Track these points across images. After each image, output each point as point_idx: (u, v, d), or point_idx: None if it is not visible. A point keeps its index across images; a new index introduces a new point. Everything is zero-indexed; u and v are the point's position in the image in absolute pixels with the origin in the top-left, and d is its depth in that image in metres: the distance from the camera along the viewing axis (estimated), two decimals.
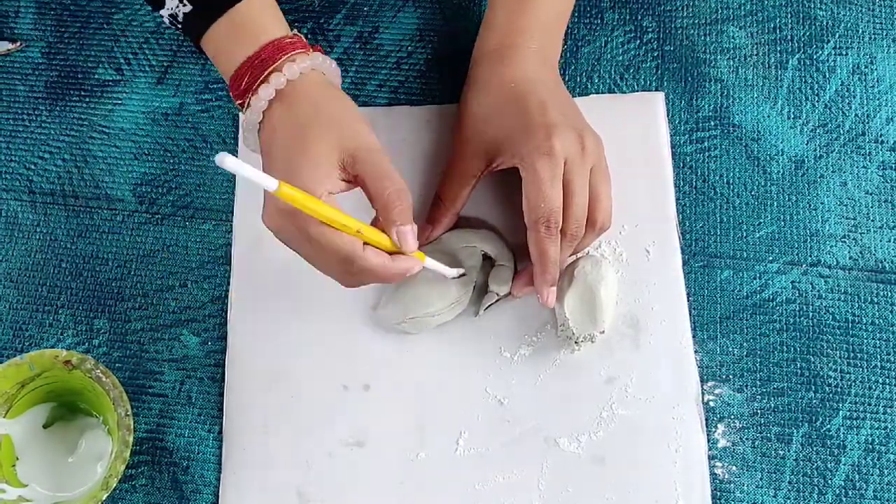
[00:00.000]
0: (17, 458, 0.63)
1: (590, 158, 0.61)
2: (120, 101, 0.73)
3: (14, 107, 0.74)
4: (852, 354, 0.65)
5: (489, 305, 0.65)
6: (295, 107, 0.57)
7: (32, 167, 0.72)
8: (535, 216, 0.59)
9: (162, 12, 0.61)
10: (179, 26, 0.61)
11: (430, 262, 0.60)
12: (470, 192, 0.65)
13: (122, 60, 0.75)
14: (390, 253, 0.56)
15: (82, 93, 0.74)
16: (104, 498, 0.58)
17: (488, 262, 0.66)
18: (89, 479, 0.63)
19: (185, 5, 0.59)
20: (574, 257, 0.65)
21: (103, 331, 0.68)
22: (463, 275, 0.64)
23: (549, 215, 0.59)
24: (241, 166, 0.47)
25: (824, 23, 0.73)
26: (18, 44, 0.75)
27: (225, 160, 0.45)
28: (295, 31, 0.60)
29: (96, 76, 0.74)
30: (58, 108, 0.74)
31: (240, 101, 0.58)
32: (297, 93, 0.57)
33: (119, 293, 0.68)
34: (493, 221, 0.68)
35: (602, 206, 0.62)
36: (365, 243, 0.54)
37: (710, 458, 0.62)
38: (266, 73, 0.57)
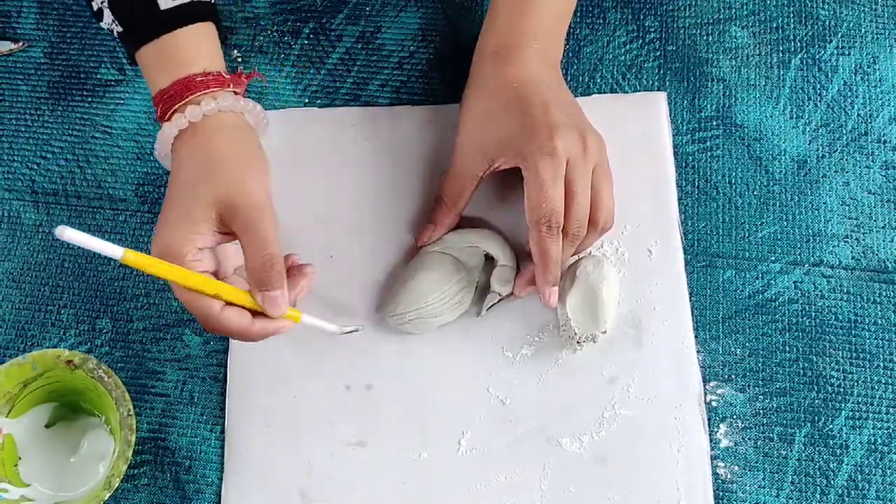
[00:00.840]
0: (20, 458, 0.63)
1: (592, 158, 0.61)
2: (122, 101, 0.73)
3: (16, 107, 0.74)
4: (855, 354, 0.64)
5: (491, 306, 0.65)
6: (192, 149, 0.57)
7: (35, 167, 0.72)
8: (537, 216, 0.59)
9: (102, 24, 0.62)
10: (117, 40, 0.62)
11: (309, 319, 0.59)
12: (472, 193, 0.65)
13: (124, 60, 0.75)
14: (256, 313, 0.55)
15: (84, 92, 0.74)
16: (106, 497, 0.58)
17: (490, 262, 0.66)
18: (91, 478, 0.63)
19: (117, 25, 0.61)
20: (576, 257, 0.65)
21: (105, 330, 0.68)
22: (354, 331, 0.64)
23: (550, 215, 0.59)
24: (83, 238, 0.46)
25: (826, 22, 0.73)
26: (21, 44, 0.75)
27: (65, 233, 0.45)
28: (232, 65, 0.61)
29: (98, 76, 0.74)
30: (60, 108, 0.74)
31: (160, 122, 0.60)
32: (198, 134, 0.57)
33: (121, 293, 0.69)
34: (495, 221, 0.68)
35: (604, 206, 0.62)
36: (227, 303, 0.54)
37: (713, 458, 0.62)
38: (172, 109, 0.58)
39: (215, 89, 0.58)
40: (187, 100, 0.58)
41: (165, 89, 0.58)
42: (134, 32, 0.60)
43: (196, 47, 0.60)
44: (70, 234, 0.45)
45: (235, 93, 0.60)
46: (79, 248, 0.69)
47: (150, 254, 0.53)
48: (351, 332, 0.63)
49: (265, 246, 0.54)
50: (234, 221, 0.54)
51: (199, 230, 0.54)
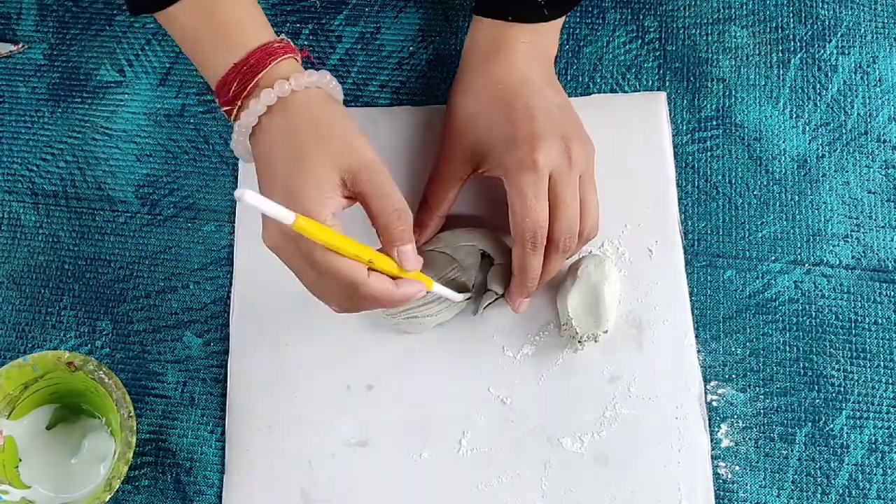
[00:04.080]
0: (21, 460, 0.63)
1: (577, 167, 0.60)
2: (122, 103, 0.73)
3: (16, 109, 0.74)
4: (855, 354, 0.64)
5: (488, 304, 0.65)
6: (292, 120, 0.55)
7: (35, 169, 0.72)
8: (521, 231, 0.59)
9: None
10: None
11: (438, 287, 0.59)
12: (456, 195, 0.65)
13: (124, 62, 0.75)
14: (394, 278, 0.54)
15: (84, 94, 0.74)
16: (107, 499, 0.58)
17: (487, 260, 0.66)
18: (92, 480, 0.63)
19: None
20: (577, 256, 0.65)
21: (106, 332, 0.68)
22: (470, 297, 0.64)
23: (534, 230, 0.58)
24: (262, 201, 0.45)
25: (826, 22, 0.73)
26: (20, 45, 0.76)
27: (245, 195, 0.44)
28: (283, 35, 0.58)
29: (98, 78, 0.74)
30: (60, 110, 0.74)
31: (227, 108, 0.57)
32: (296, 106, 0.55)
33: (121, 294, 0.69)
34: (491, 220, 0.67)
35: (589, 214, 0.61)
36: (371, 269, 0.53)
37: (714, 457, 0.62)
38: (256, 79, 0.55)
39: (290, 55, 0.56)
40: (271, 67, 0.55)
41: (243, 60, 0.55)
42: None
43: (246, 9, 0.57)
44: (249, 197, 0.44)
45: (298, 61, 0.58)
46: (79, 249, 0.69)
47: (266, 240, 0.53)
48: (468, 298, 0.64)
49: (395, 200, 0.53)
50: (358, 182, 0.53)
51: (331, 194, 0.53)
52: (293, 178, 0.53)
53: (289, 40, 0.58)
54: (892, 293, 0.66)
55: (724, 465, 0.62)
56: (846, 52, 0.72)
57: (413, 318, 0.64)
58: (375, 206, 0.53)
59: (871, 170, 0.69)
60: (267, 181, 0.55)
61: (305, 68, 0.57)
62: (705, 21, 0.73)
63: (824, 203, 0.68)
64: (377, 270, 0.53)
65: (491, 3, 0.63)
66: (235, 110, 0.56)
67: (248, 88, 0.55)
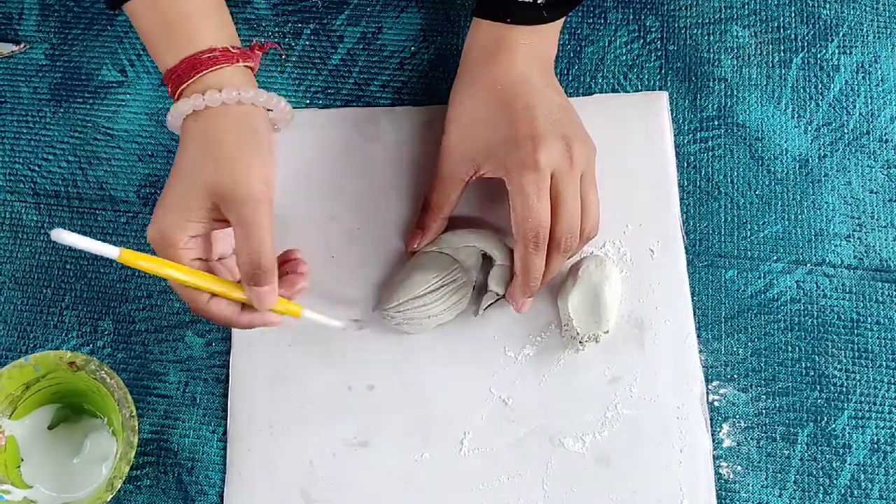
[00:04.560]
0: (22, 460, 0.63)
1: (578, 167, 0.60)
2: (124, 103, 0.73)
3: (18, 109, 0.74)
4: (857, 354, 0.64)
5: (489, 305, 0.65)
6: (198, 132, 0.56)
7: (36, 169, 0.72)
8: (523, 231, 0.59)
9: None
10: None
11: (310, 315, 0.60)
12: (458, 197, 0.65)
13: (125, 62, 0.75)
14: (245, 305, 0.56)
15: (86, 94, 0.74)
16: (109, 499, 0.58)
17: (488, 261, 0.66)
18: (94, 480, 0.63)
19: None
20: (578, 257, 0.65)
21: (108, 332, 0.68)
22: (357, 327, 0.64)
23: (536, 230, 0.58)
24: (80, 240, 0.46)
25: (828, 22, 0.73)
26: (22, 45, 0.76)
27: (61, 235, 0.45)
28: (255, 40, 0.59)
29: (100, 78, 0.74)
30: (62, 110, 0.74)
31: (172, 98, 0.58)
32: (211, 119, 0.55)
33: (123, 294, 0.69)
34: (492, 221, 0.67)
35: (590, 214, 0.61)
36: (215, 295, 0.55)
37: (715, 458, 0.62)
38: (180, 88, 0.56)
39: (223, 65, 0.56)
40: (195, 78, 0.56)
41: (173, 68, 0.56)
42: None
43: (198, 11, 0.57)
44: (66, 237, 0.45)
45: (250, 67, 0.58)
46: (79, 249, 0.69)
47: (146, 236, 0.54)
48: (356, 330, 0.64)
49: (254, 242, 0.53)
50: (228, 213, 0.54)
51: (193, 218, 0.54)
52: (169, 192, 0.55)
53: (227, 48, 0.57)
54: (894, 293, 0.66)
55: (725, 464, 0.62)
56: (848, 52, 0.72)
57: (413, 319, 0.64)
58: (239, 242, 0.54)
59: (873, 170, 0.69)
60: (167, 183, 0.56)
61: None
62: (707, 21, 0.73)
63: (826, 203, 0.68)
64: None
65: (490, 6, 0.63)
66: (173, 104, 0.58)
67: (177, 94, 0.56)
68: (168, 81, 0.57)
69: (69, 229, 0.69)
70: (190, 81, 0.56)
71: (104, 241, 0.68)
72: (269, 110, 0.58)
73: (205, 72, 0.56)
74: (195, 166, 0.55)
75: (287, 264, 0.58)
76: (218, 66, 0.56)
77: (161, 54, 0.58)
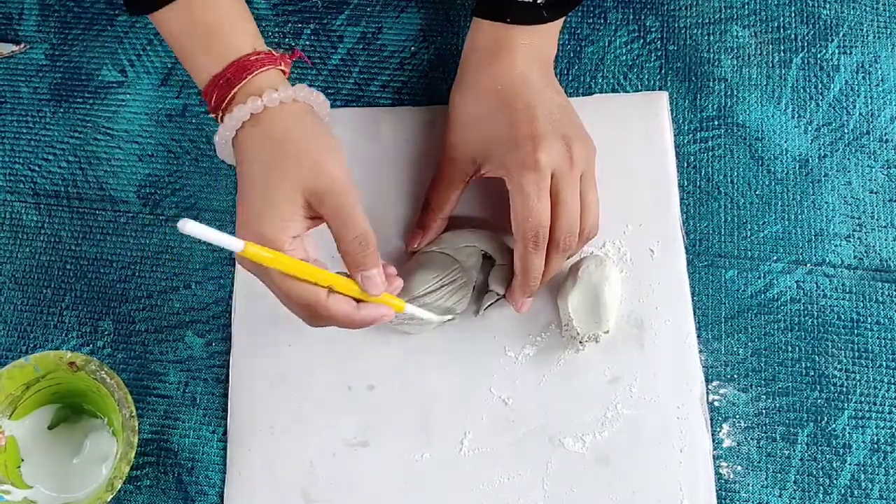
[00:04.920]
0: (23, 460, 0.64)
1: (578, 167, 0.60)
2: (124, 103, 0.73)
3: (18, 109, 0.74)
4: (857, 354, 0.64)
5: (489, 305, 0.65)
6: (264, 136, 0.55)
7: (37, 169, 0.72)
8: (523, 230, 0.59)
9: None
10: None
11: (411, 309, 0.59)
12: (459, 197, 0.65)
13: (125, 62, 0.75)
14: (360, 300, 0.55)
15: (86, 94, 0.74)
16: (109, 499, 0.58)
17: (488, 261, 0.66)
18: (94, 480, 0.63)
19: None
20: (577, 257, 0.65)
21: (108, 332, 0.68)
22: (451, 320, 0.64)
23: (536, 230, 0.59)
24: (204, 230, 0.46)
25: (828, 22, 0.73)
26: (22, 46, 0.76)
27: (186, 225, 0.45)
28: (275, 46, 0.58)
29: (100, 78, 0.74)
30: (62, 110, 0.74)
31: (213, 114, 0.58)
32: (268, 122, 0.55)
33: (123, 295, 0.69)
34: (492, 221, 0.67)
35: (590, 213, 0.61)
36: (332, 290, 0.54)
37: (715, 458, 0.62)
38: (232, 92, 0.55)
39: (270, 67, 0.56)
40: (246, 81, 0.55)
41: (220, 73, 0.56)
42: None
43: (231, 16, 0.57)
44: (191, 227, 0.45)
45: (283, 72, 0.58)
46: (80, 249, 0.69)
47: (237, 259, 0.53)
48: (449, 320, 0.64)
49: (357, 226, 0.53)
50: (322, 205, 0.53)
51: (292, 218, 0.53)
52: (253, 199, 0.54)
53: (271, 51, 0.58)
54: (894, 293, 0.66)
55: (725, 464, 0.62)
56: (848, 52, 0.72)
57: (413, 319, 0.64)
58: (337, 232, 0.53)
59: (873, 170, 0.69)
60: (242, 194, 0.55)
61: (299, 69, 0.57)
62: (707, 21, 0.73)
63: (826, 203, 0.68)
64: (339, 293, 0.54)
65: (490, 6, 0.63)
66: (219, 118, 0.57)
67: (226, 102, 0.56)
68: (214, 87, 0.56)
69: (69, 230, 0.70)
70: (241, 85, 0.55)
71: (103, 241, 0.70)
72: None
73: (256, 72, 0.55)
74: (272, 169, 0.54)
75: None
76: (265, 68, 0.56)
77: (200, 63, 0.57)
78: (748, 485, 0.62)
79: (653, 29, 0.73)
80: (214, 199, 0.70)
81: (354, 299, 0.55)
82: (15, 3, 0.77)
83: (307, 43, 0.74)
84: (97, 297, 0.69)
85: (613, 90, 0.72)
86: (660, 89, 0.71)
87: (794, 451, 0.63)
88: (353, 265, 0.54)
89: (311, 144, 0.55)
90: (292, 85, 0.57)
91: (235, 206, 0.70)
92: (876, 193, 0.68)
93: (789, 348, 0.65)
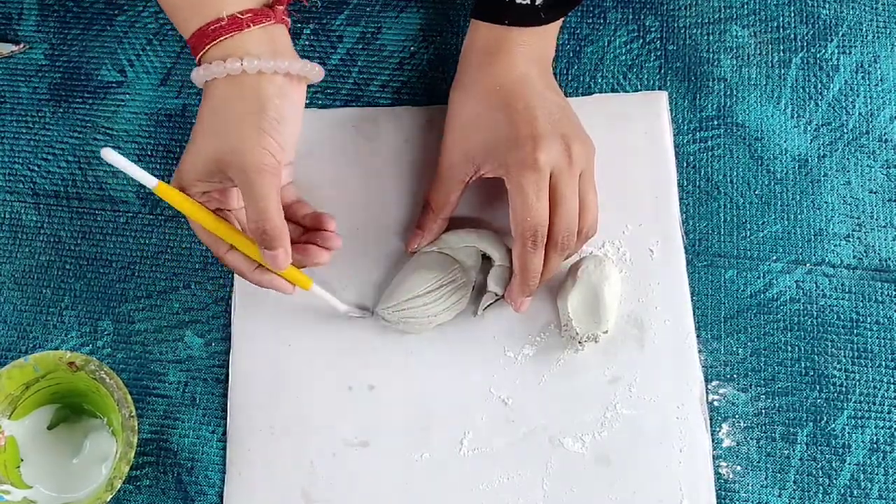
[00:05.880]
0: (22, 460, 0.63)
1: (577, 166, 0.60)
2: (123, 103, 0.73)
3: (17, 109, 0.74)
4: (857, 354, 0.64)
5: (488, 305, 0.65)
6: (219, 94, 0.57)
7: (36, 169, 0.72)
8: (521, 230, 0.59)
9: None
10: None
11: (319, 290, 0.63)
12: (458, 198, 0.65)
13: (125, 62, 0.75)
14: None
15: (86, 94, 0.74)
16: (108, 499, 0.58)
17: (487, 261, 0.66)
18: (94, 480, 0.63)
19: None
20: (577, 257, 0.65)
21: (107, 332, 0.68)
22: (360, 317, 0.66)
23: (535, 229, 0.59)
24: (124, 163, 0.53)
25: (828, 21, 0.73)
26: (22, 46, 0.76)
27: (109, 155, 0.51)
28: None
29: (99, 78, 0.74)
30: (61, 110, 0.74)
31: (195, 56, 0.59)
32: (218, 87, 0.57)
33: (123, 294, 0.69)
34: (491, 221, 0.68)
35: (589, 213, 0.61)
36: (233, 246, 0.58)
37: (715, 457, 0.62)
38: (206, 48, 0.57)
39: (234, 34, 0.57)
40: (208, 48, 0.57)
41: (189, 39, 0.58)
42: None
43: None
44: (112, 157, 0.51)
45: (284, 23, 0.60)
46: (80, 249, 0.69)
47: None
48: (357, 317, 0.65)
49: (260, 209, 0.55)
50: (235, 178, 0.56)
51: (202, 178, 0.57)
52: (191, 150, 0.58)
53: (244, 14, 0.57)
54: (894, 293, 0.66)
55: (725, 464, 0.62)
56: (847, 52, 0.72)
57: (413, 319, 0.64)
58: (247, 208, 0.56)
59: (873, 169, 0.69)
60: (192, 134, 0.58)
61: (309, 39, 0.59)
62: (706, 21, 0.73)
63: (826, 203, 0.68)
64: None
65: (488, 7, 0.63)
66: (198, 62, 0.59)
67: (199, 56, 0.58)
68: (194, 41, 0.58)
69: (68, 230, 0.70)
70: (204, 51, 0.57)
71: (103, 241, 0.70)
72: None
73: (218, 40, 0.57)
74: (203, 134, 0.57)
75: (316, 233, 0.61)
76: (227, 35, 0.57)
77: (183, 16, 0.59)
78: (748, 484, 0.62)
79: (652, 29, 0.73)
80: None
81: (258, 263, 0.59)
82: (14, 3, 0.77)
83: (306, 43, 0.74)
84: (97, 296, 0.69)
85: (613, 90, 0.71)
86: (659, 89, 0.71)
87: (793, 450, 0.63)
88: (257, 241, 0.56)
89: (242, 123, 0.56)
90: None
91: None
92: (875, 193, 0.68)
93: (789, 348, 0.65)
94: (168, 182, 0.58)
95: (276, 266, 0.57)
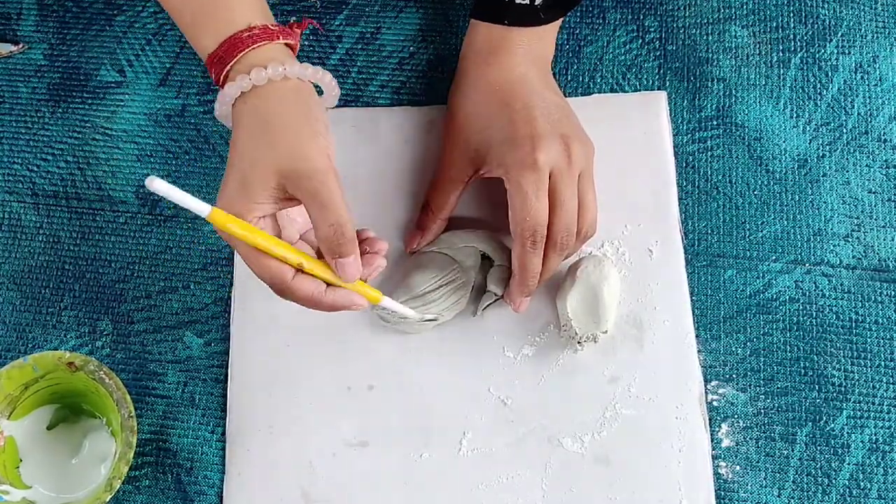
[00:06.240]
0: (21, 460, 0.63)
1: (577, 166, 0.60)
2: (122, 103, 0.73)
3: (17, 109, 0.74)
4: (856, 354, 0.64)
5: (487, 305, 0.65)
6: (251, 113, 0.54)
7: (35, 169, 0.72)
8: (521, 229, 0.59)
9: None
10: None
11: (389, 302, 0.58)
12: (458, 198, 0.65)
13: (124, 62, 0.75)
14: (332, 284, 0.54)
15: (85, 95, 0.74)
16: (108, 499, 0.58)
17: (487, 261, 0.66)
18: (93, 480, 0.63)
19: None
20: (576, 257, 0.65)
21: (106, 332, 0.68)
22: (432, 320, 0.63)
23: (534, 229, 0.59)
24: (173, 191, 0.46)
25: (827, 21, 0.73)
26: (21, 46, 0.76)
27: (154, 183, 0.45)
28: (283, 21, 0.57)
29: (99, 78, 0.74)
30: (60, 111, 0.74)
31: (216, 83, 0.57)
32: (259, 97, 0.54)
33: (122, 295, 0.69)
34: (491, 222, 0.68)
35: (588, 213, 0.61)
36: (301, 271, 0.53)
37: (714, 457, 0.62)
38: (225, 70, 0.55)
39: (264, 43, 0.55)
40: (238, 58, 0.54)
41: (214, 52, 0.55)
42: None
43: None
44: (158, 185, 0.46)
45: (288, 45, 0.57)
46: (79, 249, 0.69)
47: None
48: (430, 320, 0.62)
49: (332, 213, 0.51)
50: (297, 189, 0.52)
51: (258, 199, 0.52)
52: (230, 177, 0.53)
53: (267, 25, 0.56)
54: (893, 293, 0.66)
55: (724, 464, 0.62)
56: (847, 52, 0.72)
57: (409, 320, 0.64)
58: (313, 217, 0.52)
59: (872, 169, 0.69)
60: (228, 165, 0.54)
61: (308, 39, 0.55)
62: (706, 21, 0.73)
63: (825, 203, 0.68)
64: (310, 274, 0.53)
65: (487, 7, 0.63)
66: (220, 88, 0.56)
67: (223, 78, 0.55)
68: (211, 66, 0.55)
69: (67, 230, 0.70)
70: (233, 62, 0.54)
71: (102, 241, 0.70)
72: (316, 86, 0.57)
73: (246, 50, 0.54)
74: (252, 149, 0.53)
75: (362, 243, 0.56)
76: (259, 44, 0.54)
77: (198, 38, 0.56)
78: (747, 484, 0.62)
79: (651, 29, 0.73)
80: (213, 198, 0.70)
81: (326, 283, 0.54)
82: (13, 3, 0.77)
83: (306, 43, 0.74)
84: (96, 297, 0.69)
85: (612, 90, 0.72)
86: (658, 89, 0.71)
87: (792, 450, 0.63)
88: (329, 252, 0.52)
89: (294, 125, 0.53)
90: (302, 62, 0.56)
91: None
92: (874, 193, 0.68)
93: (788, 348, 0.65)
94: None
95: (350, 275, 0.53)
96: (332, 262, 0.53)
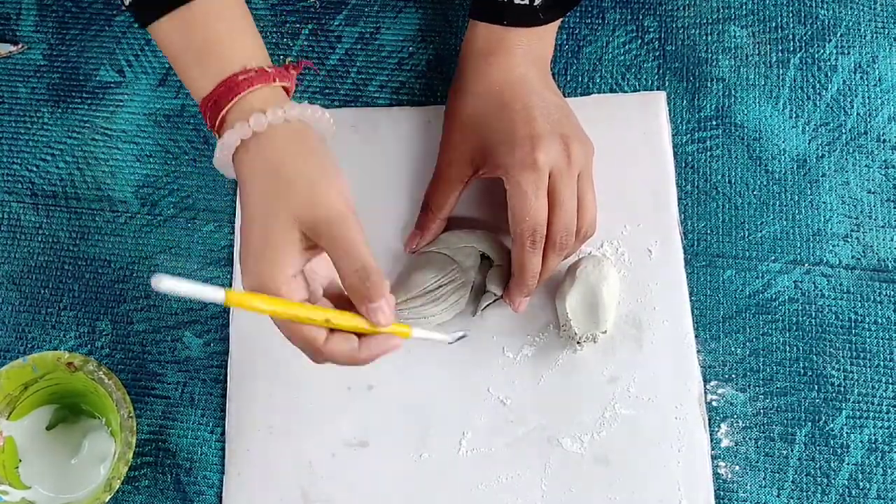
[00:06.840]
0: (21, 460, 0.63)
1: (576, 166, 0.60)
2: (122, 103, 0.73)
3: (16, 109, 0.74)
4: (855, 354, 0.64)
5: (487, 305, 0.65)
6: (258, 162, 0.51)
7: (34, 169, 0.72)
8: (520, 229, 0.59)
9: None
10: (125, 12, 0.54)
11: (419, 333, 0.54)
12: (457, 198, 0.65)
13: (123, 62, 0.75)
14: (363, 333, 0.51)
15: (84, 95, 0.74)
16: (107, 499, 0.58)
17: (486, 261, 0.66)
18: (92, 480, 0.63)
19: None
20: (575, 257, 0.65)
21: (106, 332, 0.68)
22: (462, 337, 0.59)
23: (533, 229, 0.59)
24: (182, 286, 0.42)
25: (826, 22, 0.73)
26: (20, 46, 0.75)
27: (161, 282, 0.41)
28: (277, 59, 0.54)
29: (98, 78, 0.74)
30: (60, 111, 0.74)
31: (212, 130, 0.54)
32: (263, 144, 0.51)
33: (121, 295, 0.69)
34: (490, 222, 0.68)
35: (587, 213, 0.61)
36: (333, 330, 0.50)
37: (714, 457, 0.62)
38: (221, 115, 0.52)
39: (260, 86, 0.52)
40: (234, 102, 0.52)
41: (208, 95, 0.52)
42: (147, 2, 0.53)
43: (229, 32, 0.53)
44: (166, 284, 0.42)
45: (284, 88, 0.54)
46: (78, 249, 0.69)
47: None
48: (460, 338, 0.59)
49: (356, 258, 0.49)
50: (319, 237, 0.49)
51: (289, 254, 0.49)
52: (251, 236, 0.51)
53: (264, 67, 0.53)
54: (892, 293, 0.66)
55: (724, 464, 0.62)
56: (846, 52, 0.72)
57: (412, 319, 0.64)
58: (337, 264, 0.49)
59: (871, 169, 0.69)
60: (242, 224, 0.52)
61: (306, 76, 0.55)
62: (705, 21, 0.73)
63: (824, 203, 0.68)
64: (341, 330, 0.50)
65: (487, 8, 0.63)
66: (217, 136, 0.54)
67: (218, 123, 0.53)
68: (206, 109, 0.53)
69: (67, 230, 0.70)
70: (229, 107, 0.52)
71: (101, 241, 0.70)
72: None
73: (243, 94, 0.52)
74: (266, 199, 0.50)
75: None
76: (255, 88, 0.52)
77: (193, 79, 0.54)
78: (746, 484, 0.62)
79: (651, 29, 0.73)
80: (212, 199, 0.70)
81: (357, 333, 0.51)
82: (13, 3, 0.77)
83: (305, 43, 0.74)
84: (95, 297, 0.69)
85: (611, 90, 0.72)
86: (658, 89, 0.71)
87: (792, 450, 0.63)
88: (357, 298, 0.49)
89: (306, 171, 0.51)
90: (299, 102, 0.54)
91: (233, 206, 0.70)
92: (874, 193, 0.68)
93: (787, 348, 0.65)
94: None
95: (385, 319, 0.49)
96: (362, 310, 0.50)
